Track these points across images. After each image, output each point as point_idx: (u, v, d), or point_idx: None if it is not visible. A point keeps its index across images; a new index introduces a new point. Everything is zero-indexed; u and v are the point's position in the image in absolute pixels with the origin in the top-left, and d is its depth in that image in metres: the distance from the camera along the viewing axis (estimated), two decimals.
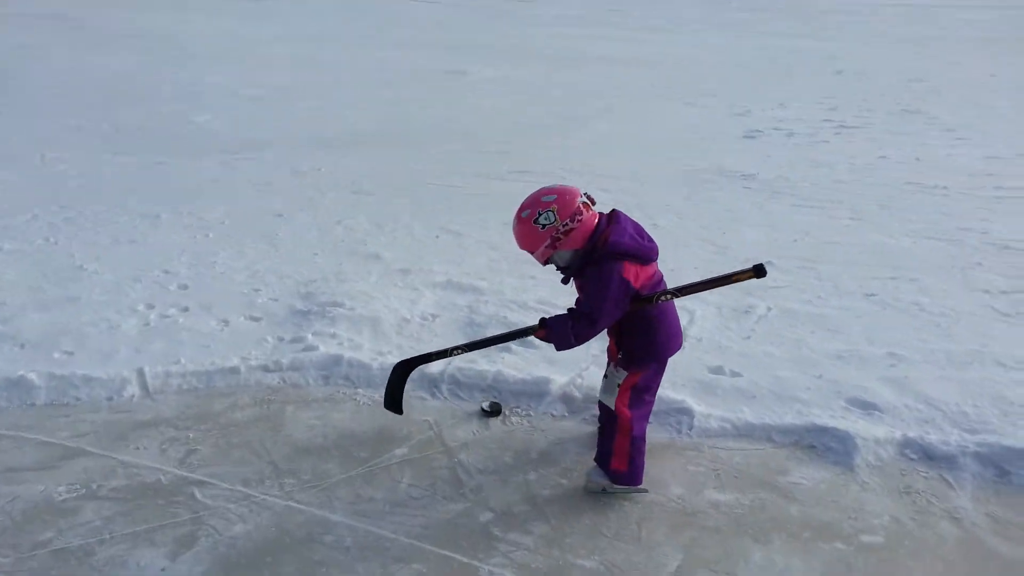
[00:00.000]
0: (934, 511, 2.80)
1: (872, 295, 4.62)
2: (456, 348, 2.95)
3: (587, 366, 3.70)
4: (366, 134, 9.34)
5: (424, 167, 7.79)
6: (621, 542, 2.65)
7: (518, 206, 2.70)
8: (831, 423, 3.27)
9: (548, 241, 2.64)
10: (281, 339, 3.97)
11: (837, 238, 5.71)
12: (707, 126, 10.10)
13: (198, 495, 2.89)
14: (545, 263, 2.75)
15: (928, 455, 3.11)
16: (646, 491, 2.87)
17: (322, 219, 6.03)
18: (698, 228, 5.93)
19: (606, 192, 6.71)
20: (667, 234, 5.71)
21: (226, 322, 4.19)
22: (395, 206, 6.38)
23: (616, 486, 2.85)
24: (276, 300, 4.48)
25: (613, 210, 2.77)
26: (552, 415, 3.42)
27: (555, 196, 2.64)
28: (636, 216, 2.89)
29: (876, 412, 3.37)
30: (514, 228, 2.70)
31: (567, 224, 2.62)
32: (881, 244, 5.55)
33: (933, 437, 3.17)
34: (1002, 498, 2.88)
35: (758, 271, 2.62)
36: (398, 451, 3.15)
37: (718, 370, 3.73)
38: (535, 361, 3.75)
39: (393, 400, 3.06)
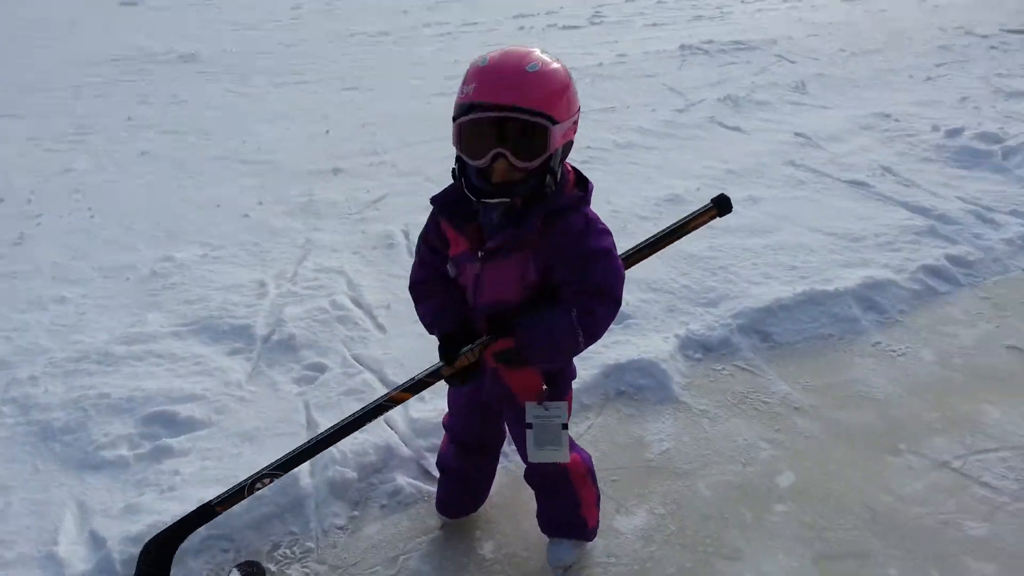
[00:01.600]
0: (778, 411, 2.58)
1: None
2: (253, 480, 1.75)
3: (301, 426, 2.37)
4: None
5: None
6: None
7: (515, 51, 1.57)
8: (614, 356, 2.77)
9: (577, 117, 1.62)
10: None
11: None
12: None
13: None
14: (534, 159, 1.53)
15: (706, 347, 2.90)
16: None
17: None
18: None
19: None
20: None
21: None
22: None
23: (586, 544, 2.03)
24: None
25: None
26: (339, 527, 2.08)
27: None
28: None
29: (631, 321, 2.99)
30: (541, 78, 1.53)
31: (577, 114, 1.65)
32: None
33: (695, 327, 2.95)
34: (790, 363, 2.82)
35: (720, 206, 1.82)
36: None
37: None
38: (222, 456, 2.23)
39: None
